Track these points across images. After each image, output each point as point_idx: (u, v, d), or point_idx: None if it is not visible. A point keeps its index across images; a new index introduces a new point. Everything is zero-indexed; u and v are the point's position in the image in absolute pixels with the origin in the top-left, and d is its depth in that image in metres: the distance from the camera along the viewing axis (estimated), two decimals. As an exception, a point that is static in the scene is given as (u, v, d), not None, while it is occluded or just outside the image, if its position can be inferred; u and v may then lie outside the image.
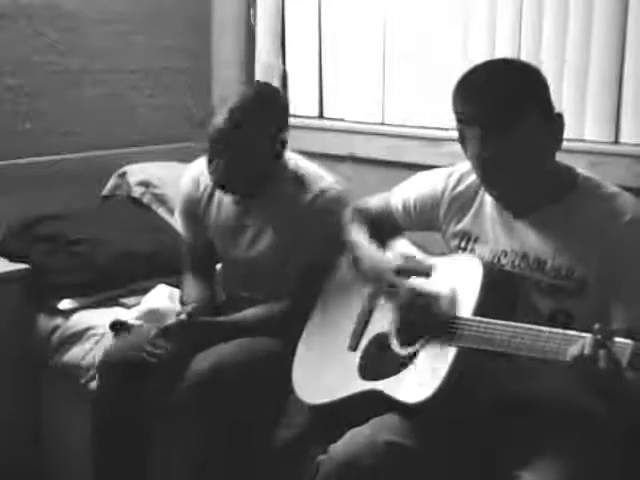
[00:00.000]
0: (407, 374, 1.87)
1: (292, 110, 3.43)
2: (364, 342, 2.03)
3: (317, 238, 2.29)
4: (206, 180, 2.41)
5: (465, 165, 2.03)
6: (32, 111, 3.16)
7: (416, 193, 2.09)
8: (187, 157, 2.53)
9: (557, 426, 1.81)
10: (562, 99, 2.67)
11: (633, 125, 2.60)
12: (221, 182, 2.32)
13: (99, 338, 2.68)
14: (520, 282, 1.85)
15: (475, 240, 1.96)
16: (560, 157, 1.86)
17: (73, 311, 2.82)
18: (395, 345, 1.95)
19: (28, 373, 2.88)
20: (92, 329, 2.71)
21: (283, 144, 2.33)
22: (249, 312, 2.35)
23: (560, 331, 1.65)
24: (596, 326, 1.58)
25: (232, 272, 2.55)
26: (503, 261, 1.90)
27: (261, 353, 2.26)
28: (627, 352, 1.54)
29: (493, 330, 1.74)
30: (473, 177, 1.99)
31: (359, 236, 2.13)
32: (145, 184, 3.22)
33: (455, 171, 2.04)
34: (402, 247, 2.12)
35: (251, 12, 3.49)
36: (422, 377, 1.83)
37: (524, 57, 2.74)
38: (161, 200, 3.17)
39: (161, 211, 3.16)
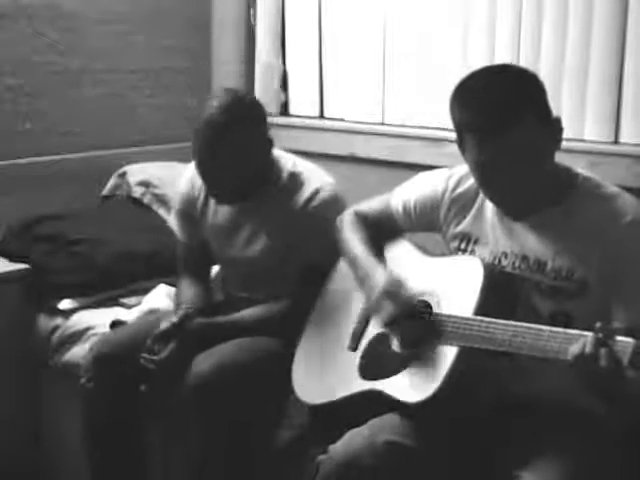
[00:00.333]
0: (407, 374, 1.87)
1: (292, 110, 3.47)
2: (364, 342, 2.03)
3: (313, 238, 2.28)
4: None
5: (465, 167, 2.03)
6: (32, 111, 3.16)
7: (416, 194, 2.09)
8: (187, 157, 2.53)
9: (557, 426, 1.82)
10: (562, 99, 2.67)
11: (633, 125, 2.60)
12: (220, 192, 2.32)
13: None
14: (520, 283, 1.85)
15: (475, 242, 1.96)
16: (560, 157, 1.86)
17: (73, 311, 2.82)
18: (395, 345, 1.95)
19: (28, 373, 2.88)
20: (92, 329, 2.70)
21: (269, 144, 2.32)
22: (247, 312, 2.35)
23: (561, 330, 1.65)
24: (597, 325, 1.58)
25: (230, 272, 2.55)
26: (503, 262, 1.90)
27: (261, 353, 2.26)
28: (628, 351, 1.54)
29: (494, 329, 1.74)
30: (473, 179, 1.99)
31: (356, 245, 2.13)
32: (145, 184, 3.22)
33: (455, 172, 2.04)
34: (400, 256, 2.12)
35: (251, 12, 3.49)
36: (422, 377, 1.83)
37: (524, 57, 2.74)
38: (161, 200, 3.17)
39: (161, 211, 3.16)
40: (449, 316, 1.84)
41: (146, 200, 3.21)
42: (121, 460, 2.42)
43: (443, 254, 2.03)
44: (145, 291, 2.86)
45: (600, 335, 1.57)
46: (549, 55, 2.68)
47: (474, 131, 1.77)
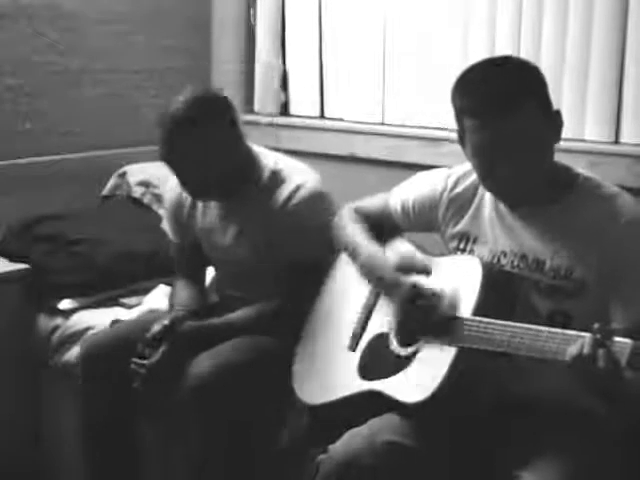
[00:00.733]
0: (407, 374, 1.87)
1: (292, 110, 3.47)
2: (364, 342, 2.03)
3: (295, 236, 2.27)
4: None
5: (464, 166, 2.03)
6: (32, 111, 3.16)
7: (415, 194, 2.09)
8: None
9: (557, 426, 1.81)
10: (562, 99, 2.66)
11: (633, 125, 2.60)
12: (191, 190, 2.33)
13: (99, 338, 2.68)
14: (519, 283, 1.85)
15: (474, 241, 1.96)
16: (560, 157, 1.86)
17: (73, 311, 2.82)
18: (395, 345, 1.95)
19: (28, 373, 2.88)
20: (92, 329, 2.70)
21: (236, 142, 2.30)
22: (238, 313, 2.34)
23: (559, 331, 1.65)
24: (595, 325, 1.58)
25: (222, 273, 2.55)
26: (502, 261, 1.90)
27: (260, 354, 2.26)
28: (626, 351, 1.54)
29: (493, 330, 1.74)
30: (472, 178, 2.00)
31: (357, 234, 2.13)
32: (145, 184, 3.23)
33: (454, 172, 2.04)
34: (402, 246, 2.12)
35: (251, 12, 3.48)
36: (422, 377, 1.83)
37: (524, 57, 2.73)
38: (161, 200, 3.16)
39: (161, 211, 3.15)
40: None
41: (146, 200, 3.21)
42: (116, 458, 2.42)
43: (442, 254, 2.03)
44: (145, 291, 2.86)
45: (598, 336, 1.57)
46: (549, 55, 2.68)
47: (475, 115, 1.78)
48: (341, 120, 3.28)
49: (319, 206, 2.30)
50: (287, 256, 2.28)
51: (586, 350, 1.56)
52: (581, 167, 1.92)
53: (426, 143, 2.97)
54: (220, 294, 2.55)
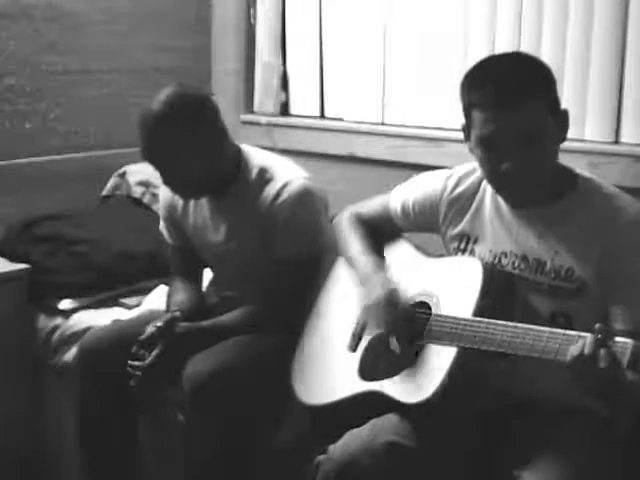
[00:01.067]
0: (407, 374, 1.87)
1: (292, 110, 3.47)
2: (364, 342, 2.03)
3: (286, 231, 2.27)
4: None
5: (464, 167, 2.03)
6: (32, 111, 3.16)
7: (415, 195, 2.09)
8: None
9: (557, 426, 1.82)
10: (562, 99, 2.65)
11: (633, 125, 2.60)
12: (173, 189, 2.32)
13: (99, 338, 2.68)
14: (519, 283, 1.85)
15: (475, 241, 1.96)
16: (560, 157, 1.86)
17: (73, 311, 2.82)
18: (395, 345, 1.95)
19: (28, 373, 2.88)
20: (92, 329, 2.70)
21: (217, 141, 2.28)
22: (232, 314, 2.33)
23: (560, 331, 1.65)
24: (596, 326, 1.58)
25: (217, 273, 2.55)
26: (503, 262, 1.90)
27: (259, 353, 2.25)
28: (627, 352, 1.54)
29: (493, 330, 1.74)
30: (472, 179, 2.00)
31: (352, 242, 2.14)
32: (145, 184, 3.23)
33: (454, 173, 2.04)
34: (402, 248, 2.13)
35: (251, 12, 3.48)
36: (422, 377, 1.83)
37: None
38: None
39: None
40: (448, 317, 1.84)
41: (146, 200, 3.21)
42: (113, 457, 2.42)
43: (442, 255, 2.03)
44: (145, 291, 2.86)
45: (599, 336, 1.56)
46: (549, 55, 2.68)
47: (482, 106, 1.78)
48: (341, 120, 3.28)
49: (308, 202, 2.29)
50: (277, 253, 2.28)
51: (587, 350, 1.56)
52: (581, 167, 1.92)
53: (426, 143, 2.97)
54: (217, 295, 2.55)
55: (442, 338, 1.83)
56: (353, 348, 2.04)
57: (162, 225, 2.57)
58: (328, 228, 2.31)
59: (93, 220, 3.09)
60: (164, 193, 2.51)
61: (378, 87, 3.16)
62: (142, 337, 2.26)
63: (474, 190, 1.98)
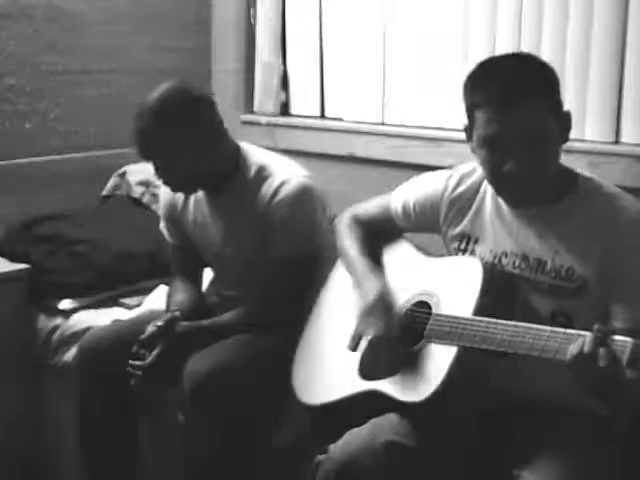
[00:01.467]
0: (407, 374, 1.87)
1: (292, 110, 3.47)
2: (364, 342, 2.03)
3: (284, 229, 2.27)
4: None
5: (465, 167, 2.03)
6: (32, 111, 3.16)
7: (416, 195, 2.09)
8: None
9: (557, 426, 1.82)
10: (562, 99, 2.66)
11: (633, 125, 2.60)
12: (169, 185, 2.32)
13: (99, 338, 2.68)
14: (520, 283, 1.85)
15: (475, 241, 1.96)
16: (560, 157, 1.86)
17: (73, 311, 2.82)
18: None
19: (28, 373, 2.88)
20: (92, 329, 2.70)
21: (212, 138, 2.28)
22: (231, 313, 2.33)
23: (560, 330, 1.65)
24: (596, 325, 1.58)
25: (218, 272, 2.55)
26: (503, 262, 1.90)
27: (259, 352, 2.26)
28: (627, 350, 1.54)
29: (494, 330, 1.74)
30: (473, 178, 2.00)
31: (350, 245, 2.14)
32: (145, 184, 3.23)
33: (455, 173, 2.04)
34: (401, 249, 2.13)
35: (251, 12, 3.48)
36: (422, 377, 1.83)
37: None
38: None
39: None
40: (449, 316, 1.84)
41: (146, 200, 3.21)
42: (113, 457, 2.42)
43: (442, 255, 2.03)
44: (145, 291, 2.86)
45: (599, 335, 1.56)
46: (549, 55, 2.67)
47: (485, 105, 1.78)
48: (341, 120, 3.28)
49: (305, 201, 2.29)
50: (274, 252, 2.28)
51: (587, 349, 1.56)
52: (581, 167, 1.92)
53: (426, 143, 2.97)
54: (218, 294, 2.55)
55: (442, 337, 1.83)
56: (353, 348, 2.04)
57: (162, 225, 2.58)
58: (327, 227, 2.31)
59: (93, 220, 3.09)
60: (164, 192, 2.51)
61: (378, 87, 3.16)
62: (143, 336, 2.26)
63: (475, 190, 1.98)
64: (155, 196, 3.18)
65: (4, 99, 3.09)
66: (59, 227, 3.00)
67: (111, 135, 3.36)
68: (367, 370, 1.95)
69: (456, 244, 1.99)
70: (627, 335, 1.57)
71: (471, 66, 1.88)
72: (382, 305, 1.95)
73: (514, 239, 1.89)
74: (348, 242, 2.16)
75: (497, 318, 1.75)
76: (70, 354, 2.71)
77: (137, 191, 3.23)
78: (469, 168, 2.02)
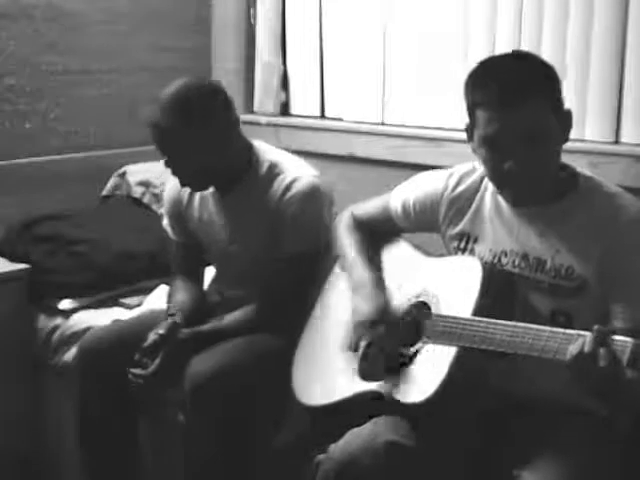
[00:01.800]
0: (407, 374, 1.87)
1: (292, 110, 3.47)
2: (363, 342, 2.03)
3: (294, 226, 2.28)
4: None
5: (465, 166, 2.03)
6: (32, 111, 3.16)
7: (416, 194, 2.09)
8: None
9: (557, 426, 1.82)
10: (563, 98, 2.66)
11: (633, 125, 2.60)
12: (179, 179, 2.32)
13: (99, 338, 2.68)
14: (519, 282, 1.85)
15: (475, 241, 1.96)
16: (560, 156, 1.86)
17: (73, 311, 2.82)
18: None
19: (28, 373, 2.88)
20: (92, 329, 2.70)
21: (230, 133, 2.29)
22: (234, 315, 2.33)
23: (560, 330, 1.65)
24: (596, 326, 1.58)
25: (222, 271, 2.54)
26: (503, 261, 1.90)
27: (260, 353, 2.26)
28: (627, 350, 1.54)
29: (493, 330, 1.74)
30: (473, 178, 2.00)
31: (348, 246, 2.14)
32: (145, 184, 3.23)
33: (455, 172, 2.04)
34: (400, 248, 2.12)
35: (251, 12, 3.49)
36: (422, 377, 1.83)
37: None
38: (161, 200, 3.16)
39: (161, 211, 3.15)
40: (448, 317, 1.84)
41: (146, 200, 3.21)
42: (113, 457, 2.42)
43: (442, 254, 2.03)
44: (145, 291, 2.86)
45: (599, 335, 1.56)
46: (549, 55, 2.67)
47: (486, 105, 1.78)
48: (341, 120, 3.28)
49: (316, 199, 2.30)
50: (284, 249, 2.28)
51: (587, 349, 1.56)
52: (581, 167, 1.92)
53: (426, 143, 2.97)
54: (220, 293, 2.55)
55: (442, 338, 1.83)
56: (352, 348, 2.04)
57: (166, 222, 2.57)
58: (331, 226, 2.31)
59: (93, 220, 3.09)
60: (169, 188, 2.51)
61: (378, 87, 3.16)
62: (144, 345, 2.26)
63: (475, 189, 1.98)
64: (155, 196, 3.19)
65: (4, 99, 3.09)
66: (59, 227, 3.00)
67: (111, 135, 3.36)
68: (366, 371, 1.95)
69: (456, 243, 1.99)
70: (627, 335, 1.57)
71: (471, 66, 1.88)
72: (376, 317, 1.95)
73: (514, 238, 1.89)
74: (347, 242, 2.16)
75: (497, 317, 1.75)
76: (70, 354, 2.71)
77: (137, 191, 3.23)
78: (469, 167, 2.02)
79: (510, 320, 1.73)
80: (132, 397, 2.33)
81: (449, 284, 1.91)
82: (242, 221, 2.36)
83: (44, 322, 2.85)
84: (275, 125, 3.40)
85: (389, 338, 1.92)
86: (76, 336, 2.73)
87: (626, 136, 2.62)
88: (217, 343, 2.25)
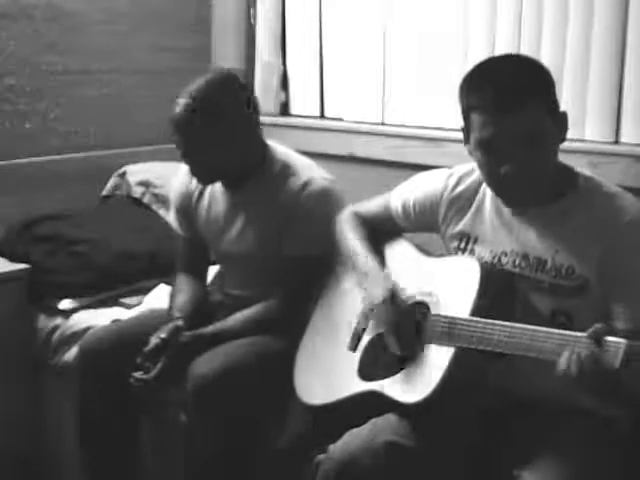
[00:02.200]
0: (406, 374, 1.87)
1: (292, 110, 3.47)
2: (364, 342, 2.03)
3: (301, 230, 2.28)
4: None
5: (465, 166, 2.03)
6: (32, 111, 3.16)
7: (416, 194, 2.09)
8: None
9: (557, 426, 1.82)
10: (562, 99, 2.66)
11: (633, 125, 2.60)
12: (192, 170, 2.33)
13: (99, 338, 2.68)
14: (520, 282, 1.85)
15: (475, 241, 1.96)
16: (560, 157, 1.86)
17: (73, 311, 2.82)
18: (394, 346, 1.95)
19: (28, 373, 2.88)
20: (92, 329, 2.70)
21: (253, 128, 2.32)
22: (237, 317, 2.33)
23: (556, 331, 1.65)
24: (590, 329, 1.59)
25: (227, 270, 2.54)
26: (503, 261, 1.90)
27: (262, 354, 2.26)
28: (620, 351, 1.54)
29: (491, 330, 1.75)
30: (473, 178, 2.00)
31: (353, 240, 2.14)
32: (145, 184, 3.23)
33: (455, 172, 2.04)
34: (401, 248, 2.13)
35: (251, 12, 3.49)
36: (421, 377, 1.83)
37: (524, 58, 2.74)
38: (161, 200, 3.17)
39: (161, 211, 3.16)
40: (446, 317, 1.84)
41: (146, 200, 3.21)
42: (113, 457, 2.42)
43: (441, 254, 2.03)
44: (145, 291, 2.86)
45: (592, 337, 1.57)
46: (549, 56, 2.68)
47: (481, 109, 1.78)
48: (341, 120, 3.28)
49: (328, 201, 2.30)
50: (293, 249, 2.28)
51: (581, 351, 1.57)
52: (581, 167, 1.92)
53: (426, 143, 2.97)
54: (223, 293, 2.54)
55: (440, 338, 1.84)
56: (353, 348, 2.04)
57: (173, 216, 2.57)
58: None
59: (93, 220, 3.09)
60: (178, 183, 2.51)
61: (378, 87, 3.16)
62: (146, 349, 2.25)
63: (474, 189, 1.98)
64: (155, 196, 3.19)
65: (4, 99, 3.09)
66: (59, 227, 3.00)
67: (111, 135, 3.36)
68: (366, 370, 1.95)
69: (455, 243, 1.99)
70: (628, 335, 1.57)
71: (471, 67, 1.88)
72: (390, 299, 1.95)
73: (514, 238, 1.89)
74: (351, 236, 2.16)
75: (497, 317, 1.75)
76: (70, 354, 2.71)
77: (137, 191, 3.23)
78: (469, 167, 2.02)
79: (510, 320, 1.73)
80: (133, 397, 2.33)
81: (448, 284, 1.91)
82: (252, 219, 2.36)
83: (44, 322, 2.85)
84: (275, 125, 3.39)
85: (403, 318, 1.92)
86: (76, 336, 2.73)
87: (626, 136, 2.62)
88: (220, 344, 2.25)
